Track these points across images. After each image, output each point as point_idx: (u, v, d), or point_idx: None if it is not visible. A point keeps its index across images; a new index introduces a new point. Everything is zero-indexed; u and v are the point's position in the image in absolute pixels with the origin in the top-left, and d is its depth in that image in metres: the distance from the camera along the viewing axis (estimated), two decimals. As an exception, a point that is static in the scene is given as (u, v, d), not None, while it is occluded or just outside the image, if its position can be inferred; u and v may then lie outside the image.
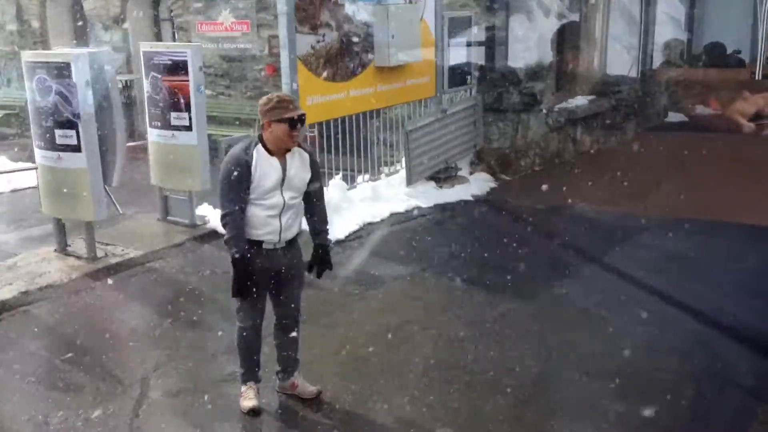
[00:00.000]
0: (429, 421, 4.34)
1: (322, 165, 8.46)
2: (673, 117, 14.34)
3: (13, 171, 8.83)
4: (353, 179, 8.92)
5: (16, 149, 10.97)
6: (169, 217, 8.01)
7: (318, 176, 4.36)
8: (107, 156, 6.75)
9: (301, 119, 4.08)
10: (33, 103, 6.66)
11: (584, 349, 5.18)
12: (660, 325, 5.50)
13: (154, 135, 7.80)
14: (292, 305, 4.46)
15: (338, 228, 7.65)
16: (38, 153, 6.80)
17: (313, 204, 4.38)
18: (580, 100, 11.60)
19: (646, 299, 5.98)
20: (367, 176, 9.14)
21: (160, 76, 7.54)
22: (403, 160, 9.23)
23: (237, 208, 4.07)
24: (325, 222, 4.46)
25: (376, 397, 4.60)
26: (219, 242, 7.16)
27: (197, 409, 4.51)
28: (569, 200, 8.60)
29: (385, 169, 9.52)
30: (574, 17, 11.36)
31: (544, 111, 10.59)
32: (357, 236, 7.70)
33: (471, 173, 9.90)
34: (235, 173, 4.04)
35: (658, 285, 6.21)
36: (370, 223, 8.03)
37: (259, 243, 4.18)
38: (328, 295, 6.16)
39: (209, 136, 7.85)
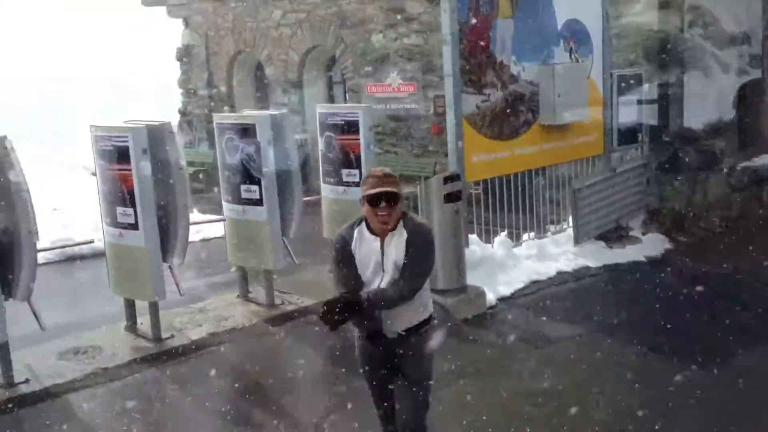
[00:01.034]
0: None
1: (486, 222, 8.54)
2: None
3: (203, 222, 9.61)
4: (518, 237, 8.90)
5: (204, 203, 11.94)
6: (339, 269, 8.35)
7: (415, 264, 3.70)
8: (285, 210, 7.21)
9: (386, 197, 3.62)
10: (222, 161, 7.29)
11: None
12: None
13: (326, 190, 8.22)
14: (413, 396, 3.88)
15: (504, 285, 7.65)
16: (226, 206, 7.39)
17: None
18: (766, 159, 10.93)
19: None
20: (532, 234, 9.08)
21: (333, 135, 7.99)
22: (570, 218, 9.10)
23: (345, 291, 3.73)
24: (381, 292, 3.72)
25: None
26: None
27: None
28: (755, 265, 8.04)
29: (551, 227, 9.41)
30: (756, 73, 10.80)
31: (725, 170, 10.09)
32: (523, 294, 7.63)
33: (644, 233, 9.53)
34: (340, 253, 3.76)
35: None
36: (536, 281, 7.94)
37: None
38: (492, 352, 6.15)
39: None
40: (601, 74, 9.44)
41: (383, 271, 3.72)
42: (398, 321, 3.78)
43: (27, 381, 5.45)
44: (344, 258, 3.74)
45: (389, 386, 3.91)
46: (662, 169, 9.75)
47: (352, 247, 3.73)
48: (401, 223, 3.73)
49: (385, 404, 3.95)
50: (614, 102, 9.67)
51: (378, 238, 3.72)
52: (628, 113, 9.92)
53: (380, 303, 3.71)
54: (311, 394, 5.53)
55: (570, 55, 9.01)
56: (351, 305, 3.66)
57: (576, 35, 9.05)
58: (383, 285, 3.70)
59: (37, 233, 5.40)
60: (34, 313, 5.54)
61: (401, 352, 3.82)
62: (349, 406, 5.28)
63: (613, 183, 9.25)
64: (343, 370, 5.88)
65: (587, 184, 8.99)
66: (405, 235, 3.72)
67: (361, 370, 3.99)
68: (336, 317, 3.64)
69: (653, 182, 9.68)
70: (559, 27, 8.84)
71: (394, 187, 3.67)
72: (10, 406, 5.14)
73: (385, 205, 3.63)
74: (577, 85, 9.00)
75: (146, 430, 4.88)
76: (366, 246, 3.73)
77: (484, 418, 4.98)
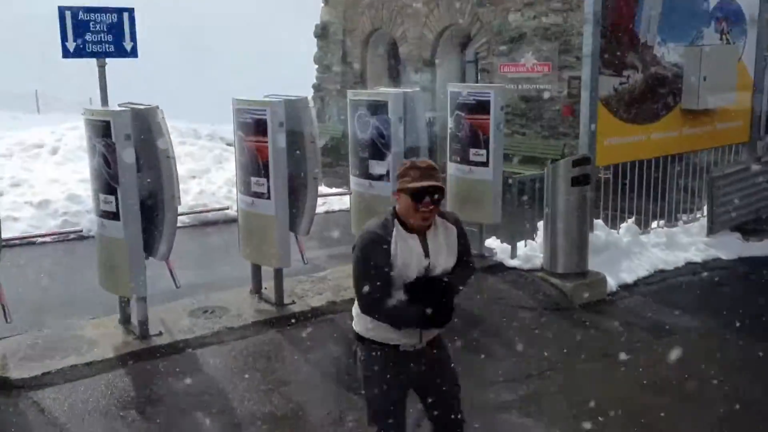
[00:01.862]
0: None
1: (614, 207, 8.28)
2: None
3: (329, 195, 9.92)
4: (647, 224, 8.57)
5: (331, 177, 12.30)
6: (459, 247, 8.39)
7: (467, 254, 3.49)
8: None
9: (432, 191, 3.24)
10: (353, 136, 7.47)
11: None
12: None
13: (453, 169, 8.24)
14: (450, 412, 3.61)
15: (626, 272, 7.43)
16: (353, 180, 7.58)
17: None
18: None
19: None
20: (662, 222, 8.72)
21: (463, 114, 7.98)
22: (705, 207, 8.66)
23: (378, 295, 3.27)
24: (456, 275, 3.45)
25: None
26: (504, 275, 7.37)
27: (474, 430, 4.66)
28: None
29: (683, 216, 8.99)
30: None
31: None
32: (646, 282, 7.38)
33: (785, 228, 8.94)
34: (374, 251, 3.26)
35: None
36: (662, 271, 7.65)
37: (393, 346, 3.39)
38: (608, 338, 6.00)
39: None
40: (754, 57, 8.89)
41: (426, 271, 3.32)
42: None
43: (160, 334, 5.87)
44: (380, 257, 3.25)
45: (403, 414, 3.51)
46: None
47: (392, 246, 3.27)
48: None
49: (401, 428, 3.52)
50: (766, 87, 9.09)
51: (415, 236, 3.33)
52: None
53: (458, 287, 3.41)
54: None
55: (721, 37, 8.55)
56: (434, 287, 3.29)
57: (729, 15, 8.57)
58: None
59: (179, 198, 5.76)
60: (171, 273, 5.95)
61: (432, 362, 3.46)
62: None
63: (756, 172, 8.70)
64: (457, 345, 5.95)
65: (727, 172, 8.53)
66: (453, 228, 3.43)
67: (375, 391, 3.43)
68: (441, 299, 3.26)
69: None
70: (711, 6, 8.41)
71: (439, 180, 3.28)
72: (144, 356, 5.57)
73: (429, 200, 3.24)
74: (726, 68, 8.52)
75: (266, 387, 5.15)
76: (405, 245, 3.30)
77: (592, 404, 4.90)
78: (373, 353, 3.40)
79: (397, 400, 3.47)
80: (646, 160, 8.41)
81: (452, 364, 3.63)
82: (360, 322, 3.44)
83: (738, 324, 6.22)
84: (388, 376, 3.38)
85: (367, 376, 3.44)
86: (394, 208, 3.37)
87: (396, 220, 3.32)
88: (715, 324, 6.27)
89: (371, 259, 3.26)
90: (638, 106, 8.02)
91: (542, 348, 5.91)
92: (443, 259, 3.36)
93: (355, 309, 3.47)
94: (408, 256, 3.28)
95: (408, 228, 3.31)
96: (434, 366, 3.48)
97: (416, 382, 3.50)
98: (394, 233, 3.28)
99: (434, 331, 3.44)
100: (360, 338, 3.45)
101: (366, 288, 3.27)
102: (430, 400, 3.57)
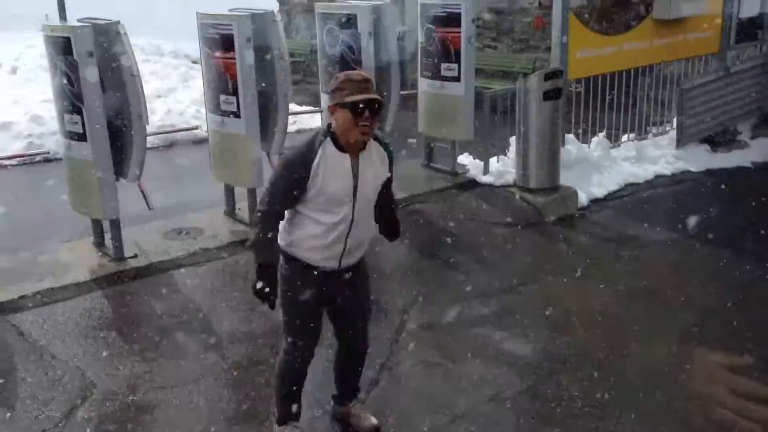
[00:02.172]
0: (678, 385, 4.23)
1: (586, 121, 8.30)
2: None
3: (300, 113, 9.79)
4: (617, 137, 8.63)
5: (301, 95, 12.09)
6: (431, 164, 8.39)
7: (392, 180, 3.47)
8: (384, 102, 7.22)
9: (371, 104, 3.15)
10: (322, 51, 7.31)
11: None
12: None
13: (424, 85, 8.14)
14: (357, 336, 3.72)
15: (597, 187, 7.52)
16: (323, 97, 7.46)
17: (384, 214, 3.52)
18: None
19: None
20: (632, 135, 8.78)
21: (433, 27, 7.83)
22: (674, 120, 8.73)
23: (276, 209, 3.30)
24: (398, 235, 3.68)
25: (626, 359, 4.56)
26: (477, 191, 7.42)
27: (448, 344, 4.80)
28: None
29: (653, 129, 9.06)
30: None
31: None
32: (617, 197, 7.50)
33: (752, 138, 9.07)
34: (290, 170, 3.23)
35: None
36: (632, 184, 7.77)
37: (312, 266, 3.40)
38: (580, 251, 6.12)
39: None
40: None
41: (354, 197, 3.27)
42: (355, 255, 3.45)
43: (135, 256, 5.86)
44: (297, 176, 3.20)
45: (318, 329, 3.59)
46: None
47: (314, 165, 3.18)
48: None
49: (308, 352, 3.57)
50: (737, -5, 9.03)
51: (347, 156, 3.24)
52: (751, 7, 9.24)
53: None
54: (399, 283, 5.72)
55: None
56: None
57: None
58: (356, 215, 3.29)
59: (147, 118, 5.64)
60: (143, 194, 5.88)
61: (349, 283, 3.48)
62: (433, 296, 5.45)
63: (725, 83, 8.76)
64: (428, 261, 6.05)
65: (697, 83, 8.56)
66: (383, 152, 3.38)
67: (293, 304, 3.46)
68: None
69: (771, 84, 9.09)
70: None
71: (375, 92, 3.22)
72: (120, 278, 5.57)
73: (369, 114, 3.15)
74: (699, -25, 8.42)
75: (245, 307, 5.20)
76: (333, 165, 3.21)
77: (565, 313, 5.05)
78: (294, 269, 3.41)
79: (312, 315, 3.51)
80: (617, 73, 8.39)
81: (368, 292, 3.71)
82: (284, 237, 3.41)
83: (705, 234, 6.38)
84: (306, 292, 3.40)
85: (284, 290, 3.44)
86: (329, 125, 3.26)
87: (329, 139, 3.23)
88: (682, 235, 6.42)
89: (288, 175, 3.23)
90: (610, 16, 7.94)
91: (515, 263, 6.03)
92: (369, 185, 3.32)
93: (282, 224, 3.41)
94: (333, 175, 3.21)
95: (341, 147, 3.23)
96: (349, 290, 3.51)
97: (330, 304, 3.55)
98: (319, 153, 3.20)
99: (358, 255, 3.48)
100: (283, 253, 3.43)
101: (266, 195, 3.31)
102: (339, 322, 3.67)
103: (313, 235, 3.32)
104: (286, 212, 3.36)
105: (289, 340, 3.54)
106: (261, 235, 3.30)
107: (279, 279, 3.41)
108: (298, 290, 3.41)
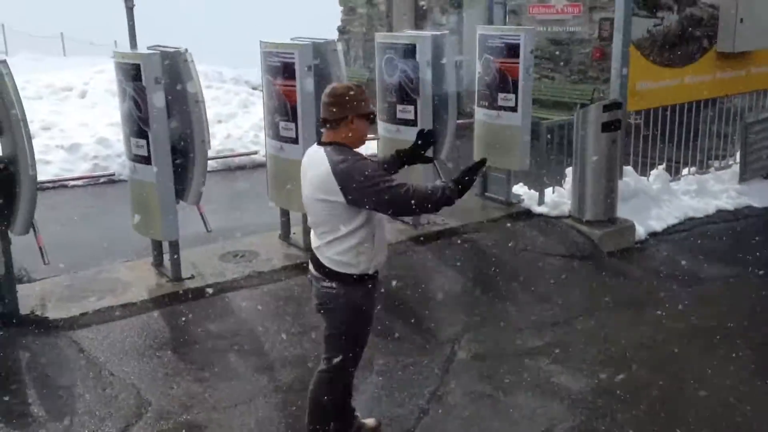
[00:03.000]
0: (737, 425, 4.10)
1: (645, 154, 8.18)
2: None
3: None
4: (677, 171, 8.47)
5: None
6: (486, 193, 8.36)
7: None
8: (438, 131, 7.25)
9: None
10: (380, 80, 7.39)
11: None
12: None
13: (480, 114, 8.15)
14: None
15: (656, 220, 7.38)
16: (381, 125, 7.53)
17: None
18: None
19: None
20: (693, 169, 8.61)
21: (492, 57, 7.86)
22: (737, 154, 8.53)
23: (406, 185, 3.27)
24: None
25: (683, 397, 4.43)
26: (532, 221, 7.36)
27: (499, 375, 4.75)
28: None
29: (715, 163, 8.87)
30: None
31: None
32: (676, 231, 7.34)
33: (820, 176, 8.79)
34: (375, 166, 3.37)
35: None
36: (692, 219, 7.60)
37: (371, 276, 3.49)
38: (637, 285, 6.00)
39: (529, 118, 8.01)
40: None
41: None
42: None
43: (192, 277, 5.97)
44: (378, 167, 3.43)
45: None
46: None
47: None
48: None
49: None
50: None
51: None
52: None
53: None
54: (450, 312, 5.69)
55: (763, -26, 8.26)
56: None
57: (768, -47, 8.25)
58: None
59: (209, 143, 5.79)
60: (202, 217, 6.02)
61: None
62: (485, 326, 5.41)
63: (791, 119, 8.52)
64: (481, 290, 6.02)
65: (761, 118, 8.36)
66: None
67: (366, 327, 3.59)
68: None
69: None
70: (756, -60, 8.10)
71: None
72: (177, 298, 5.69)
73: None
74: (763, 9, 8.26)
75: (297, 331, 5.25)
76: None
77: (620, 351, 4.95)
78: (366, 291, 3.45)
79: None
80: (678, 105, 8.26)
81: None
82: (352, 263, 3.38)
83: (767, 272, 6.21)
84: (375, 306, 3.53)
85: (360, 312, 3.48)
86: (339, 143, 3.31)
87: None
88: (744, 271, 6.24)
89: (380, 173, 3.26)
90: (672, 48, 7.84)
91: (570, 295, 5.94)
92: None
93: (339, 255, 3.38)
94: None
95: None
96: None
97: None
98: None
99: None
100: (350, 280, 3.41)
101: (402, 190, 3.19)
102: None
103: (379, 237, 3.45)
104: (344, 228, 3.33)
105: (350, 355, 3.61)
106: (446, 193, 3.24)
107: (349, 305, 3.46)
108: (371, 308, 3.53)
